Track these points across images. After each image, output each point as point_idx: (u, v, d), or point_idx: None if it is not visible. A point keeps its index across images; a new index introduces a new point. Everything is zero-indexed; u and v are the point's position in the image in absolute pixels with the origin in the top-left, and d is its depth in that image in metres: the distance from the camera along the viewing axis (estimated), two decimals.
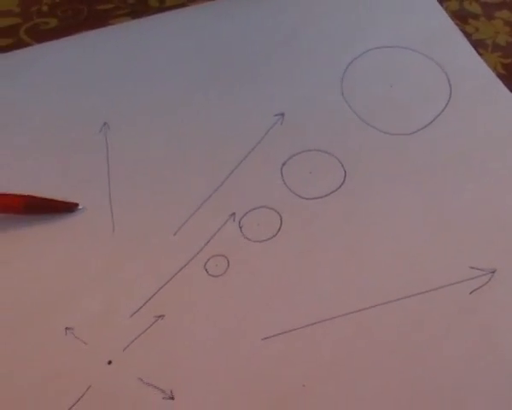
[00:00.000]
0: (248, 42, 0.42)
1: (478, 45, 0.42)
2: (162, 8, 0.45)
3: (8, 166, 0.37)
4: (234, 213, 0.35)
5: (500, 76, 0.40)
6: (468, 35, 0.42)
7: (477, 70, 0.40)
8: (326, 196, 0.35)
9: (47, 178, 0.36)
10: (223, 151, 0.37)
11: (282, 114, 0.38)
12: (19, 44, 0.42)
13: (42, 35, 0.43)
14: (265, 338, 0.31)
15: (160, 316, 0.31)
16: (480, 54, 0.41)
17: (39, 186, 0.35)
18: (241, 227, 0.34)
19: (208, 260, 0.33)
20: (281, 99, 0.39)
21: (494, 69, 0.40)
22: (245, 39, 0.42)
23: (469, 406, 0.29)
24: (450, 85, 0.39)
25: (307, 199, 0.35)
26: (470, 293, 0.32)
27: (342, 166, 0.36)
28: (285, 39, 0.42)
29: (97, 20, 0.44)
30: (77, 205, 0.35)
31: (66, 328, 0.31)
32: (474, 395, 0.29)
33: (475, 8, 0.45)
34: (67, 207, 0.34)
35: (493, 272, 0.32)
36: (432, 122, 0.38)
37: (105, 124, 0.38)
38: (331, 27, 0.43)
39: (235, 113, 0.39)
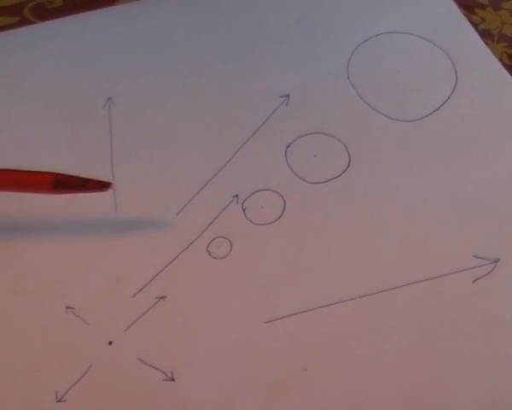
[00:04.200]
0: (256, 23, 0.42)
1: (484, 35, 0.42)
2: None
3: (11, 141, 0.36)
4: (237, 195, 0.34)
5: (506, 66, 0.40)
6: (474, 25, 0.42)
7: (483, 59, 0.40)
8: (330, 180, 0.35)
9: (50, 155, 0.36)
10: (227, 131, 0.37)
11: (288, 96, 0.38)
12: (23, 23, 0.42)
13: (46, 14, 0.42)
14: (268, 322, 0.30)
15: (161, 297, 0.31)
16: (486, 44, 0.41)
17: (42, 163, 0.34)
18: (244, 209, 0.34)
19: (211, 241, 0.33)
20: (286, 81, 0.39)
21: (500, 59, 0.40)
22: (253, 20, 0.42)
23: (471, 394, 0.28)
24: (456, 73, 0.39)
25: (311, 183, 0.35)
26: (473, 282, 0.31)
27: (347, 150, 0.36)
28: (292, 22, 0.42)
29: (103, 0, 0.43)
30: (110, 185, 0.31)
31: (67, 307, 0.31)
32: (476, 384, 0.29)
33: None
34: (99, 187, 0.31)
35: (497, 262, 0.32)
36: (437, 109, 0.38)
37: (109, 99, 0.38)
38: (339, 11, 0.42)
39: (240, 93, 0.38)
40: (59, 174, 0.30)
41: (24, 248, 0.33)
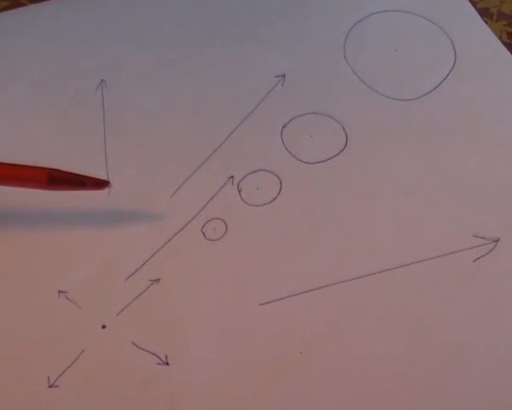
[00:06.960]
0: (251, 2, 0.41)
1: (483, 14, 0.41)
2: None
3: (1, 124, 0.36)
4: (232, 177, 0.34)
5: (505, 45, 0.39)
6: (473, 3, 0.41)
7: (482, 37, 0.39)
8: (327, 160, 0.34)
9: (42, 138, 0.35)
10: (222, 112, 0.36)
11: (283, 76, 0.37)
12: (15, 6, 0.42)
13: None
14: (263, 304, 0.30)
15: (155, 280, 0.31)
16: (485, 22, 0.40)
17: (34, 146, 0.34)
18: (239, 191, 0.33)
19: (206, 223, 0.32)
20: (282, 61, 0.38)
21: (499, 38, 0.40)
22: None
23: (470, 374, 0.28)
24: (454, 51, 0.39)
25: (308, 163, 0.34)
26: (474, 261, 0.31)
27: (344, 130, 0.35)
28: (288, 1, 0.41)
29: None
30: (108, 183, 0.30)
31: (60, 291, 0.30)
32: (476, 364, 0.28)
33: None
34: (97, 185, 0.30)
35: (497, 241, 0.32)
36: (436, 88, 0.37)
37: (102, 81, 0.37)
38: None
39: (235, 73, 0.38)
40: (55, 170, 0.30)
41: (16, 234, 0.32)
